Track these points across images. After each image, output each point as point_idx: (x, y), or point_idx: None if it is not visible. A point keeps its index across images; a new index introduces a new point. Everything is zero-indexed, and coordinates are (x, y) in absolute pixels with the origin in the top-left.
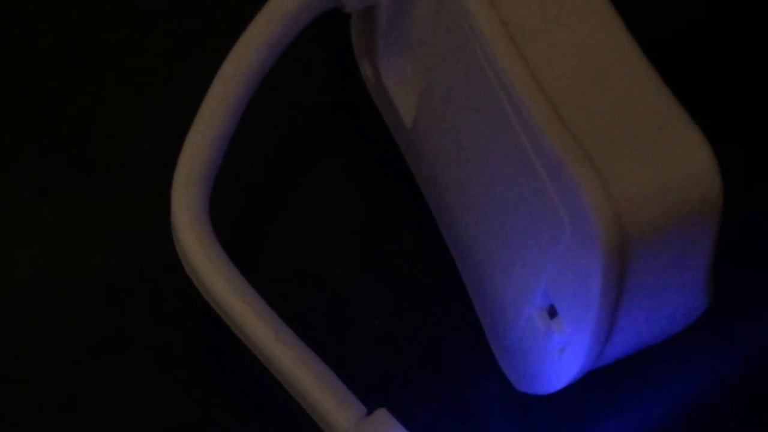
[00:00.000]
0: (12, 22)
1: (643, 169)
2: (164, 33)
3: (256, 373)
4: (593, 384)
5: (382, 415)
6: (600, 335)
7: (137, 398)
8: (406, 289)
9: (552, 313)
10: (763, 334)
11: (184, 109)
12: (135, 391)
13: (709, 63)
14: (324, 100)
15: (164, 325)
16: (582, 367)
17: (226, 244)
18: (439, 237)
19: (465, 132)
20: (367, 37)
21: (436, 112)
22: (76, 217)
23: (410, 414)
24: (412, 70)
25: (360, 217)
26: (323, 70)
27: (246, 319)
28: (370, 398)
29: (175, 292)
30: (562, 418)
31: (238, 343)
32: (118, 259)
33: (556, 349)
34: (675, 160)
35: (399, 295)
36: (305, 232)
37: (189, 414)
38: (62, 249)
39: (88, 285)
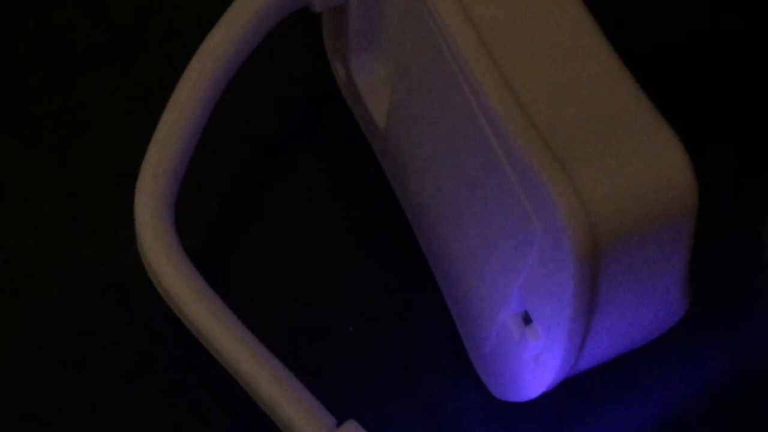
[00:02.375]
0: None
1: (615, 174)
2: (132, 36)
3: (226, 383)
4: (573, 390)
5: (351, 427)
6: (574, 342)
7: (106, 407)
8: (380, 294)
9: (527, 319)
10: (747, 337)
11: (156, 111)
12: (104, 400)
13: (692, 65)
14: (297, 100)
15: (133, 333)
16: (558, 374)
17: (197, 247)
18: (414, 241)
19: (436, 135)
20: (337, 37)
21: (407, 114)
22: (44, 222)
23: (385, 423)
24: (384, 71)
25: (334, 220)
26: (296, 69)
27: (212, 331)
28: (342, 407)
29: (144, 299)
30: (542, 425)
31: (207, 354)
32: (86, 265)
33: (532, 356)
34: (648, 163)
35: (373, 300)
36: (277, 236)
37: (156, 424)
38: (29, 254)
39: (56, 290)
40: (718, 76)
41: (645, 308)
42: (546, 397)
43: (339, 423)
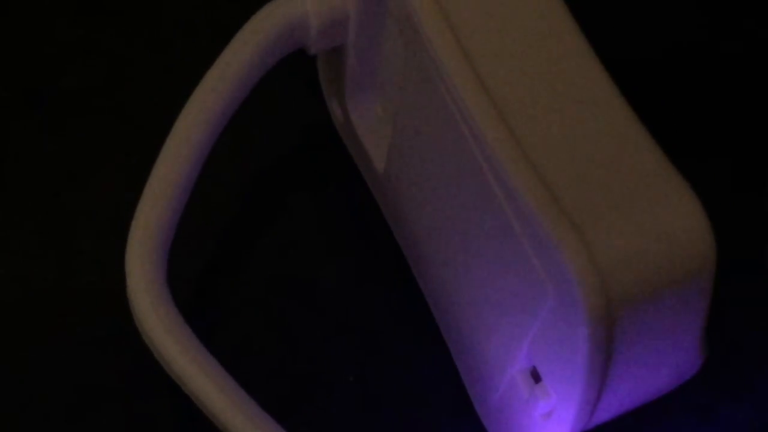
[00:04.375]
0: None
1: (629, 233)
2: (123, 78)
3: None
4: None
5: None
6: (587, 403)
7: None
8: (382, 343)
9: (536, 376)
10: (756, 379)
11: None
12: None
13: (692, 75)
14: (293, 142)
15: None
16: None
17: (189, 294)
18: (416, 288)
19: (439, 184)
20: (334, 78)
21: (409, 159)
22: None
23: None
24: (383, 112)
25: (332, 266)
26: (293, 110)
27: (204, 395)
28: None
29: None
30: None
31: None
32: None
33: (541, 414)
34: (664, 222)
35: (375, 351)
36: (274, 282)
37: None
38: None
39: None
40: (717, 85)
41: (660, 366)
42: None
43: None
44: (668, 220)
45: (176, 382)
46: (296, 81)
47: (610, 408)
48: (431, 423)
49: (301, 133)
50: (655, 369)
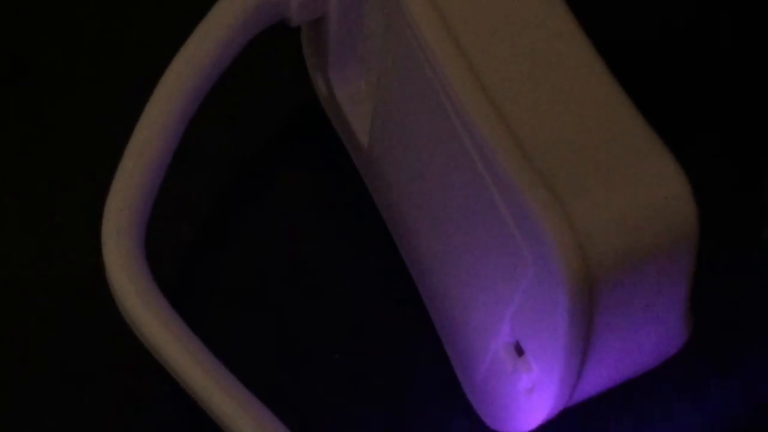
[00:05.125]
0: None
1: (610, 202)
2: (102, 53)
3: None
4: (570, 417)
5: None
6: (569, 376)
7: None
8: (367, 321)
9: (519, 350)
10: (752, 362)
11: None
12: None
13: (689, 67)
14: (277, 116)
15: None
16: (554, 407)
17: (171, 271)
18: (401, 263)
19: (421, 156)
20: (318, 52)
21: (391, 132)
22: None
23: None
24: (366, 85)
25: (316, 241)
26: (277, 85)
27: (186, 371)
28: None
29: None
30: None
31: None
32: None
33: (525, 389)
34: (645, 190)
35: (360, 327)
36: (260, 260)
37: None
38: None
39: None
40: (713, 76)
41: (643, 339)
42: (542, 425)
43: None
44: (650, 187)
45: (153, 354)
46: (281, 58)
47: (594, 382)
48: (417, 401)
49: (286, 109)
50: (638, 342)
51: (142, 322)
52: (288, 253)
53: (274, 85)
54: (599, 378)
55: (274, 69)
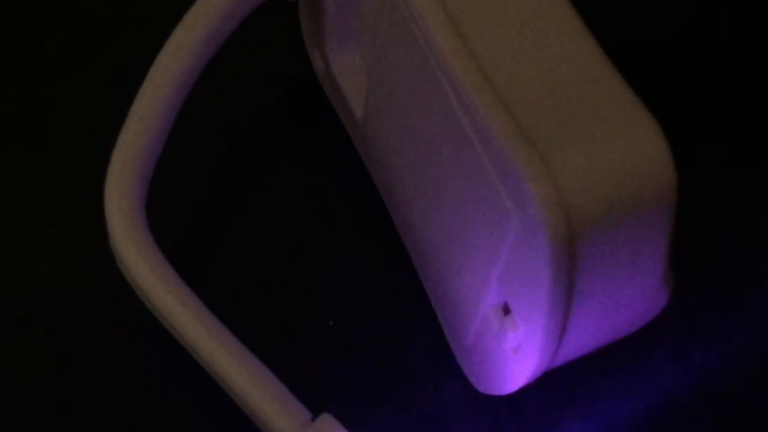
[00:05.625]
0: None
1: (591, 158)
2: (99, 30)
3: (202, 381)
4: (558, 383)
5: (326, 420)
6: (552, 331)
7: (85, 407)
8: (361, 287)
9: (506, 310)
10: (737, 329)
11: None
12: (83, 400)
13: (679, 57)
14: (275, 93)
15: (107, 330)
16: (539, 366)
17: (173, 243)
18: (395, 233)
19: (412, 123)
20: (314, 26)
21: (383, 103)
22: (23, 220)
23: (366, 417)
24: (362, 60)
25: (312, 213)
26: (274, 61)
27: (185, 327)
28: (322, 403)
29: (119, 297)
30: (526, 419)
31: (183, 352)
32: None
33: (511, 348)
34: (626, 147)
35: (353, 294)
36: (254, 230)
37: (132, 422)
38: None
39: (34, 292)
40: (706, 66)
41: (624, 297)
42: (530, 390)
43: (314, 417)
44: (630, 146)
45: (158, 319)
46: (278, 35)
47: (578, 342)
48: (409, 366)
49: (284, 86)
50: (621, 300)
51: (146, 287)
52: (284, 225)
53: (271, 62)
54: (583, 337)
55: (271, 46)
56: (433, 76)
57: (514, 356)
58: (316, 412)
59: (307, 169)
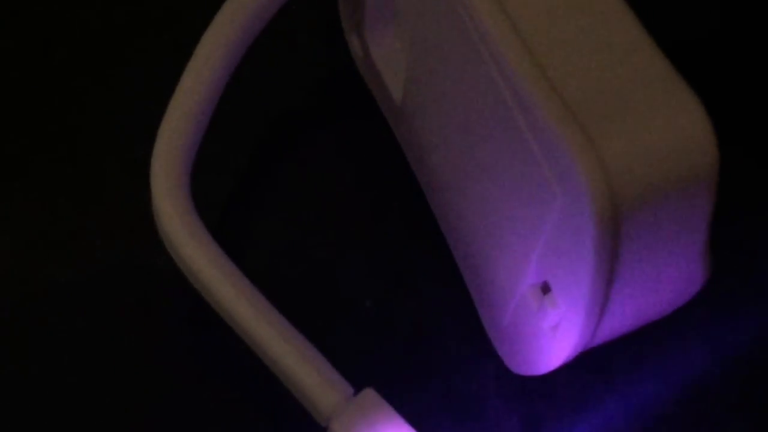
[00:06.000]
0: None
1: (635, 136)
2: (138, 20)
3: (244, 367)
4: (592, 366)
5: (369, 395)
6: (593, 309)
7: (125, 391)
8: (398, 269)
9: (545, 289)
10: (765, 312)
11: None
12: (121, 384)
13: (697, 60)
14: (313, 78)
15: (150, 314)
16: (577, 345)
17: (215, 224)
18: (432, 216)
19: (453, 105)
20: (353, 10)
21: (424, 87)
22: (59, 208)
23: (402, 396)
24: (401, 44)
25: (352, 196)
26: (313, 46)
27: (228, 299)
28: (359, 381)
29: (159, 278)
30: (560, 401)
31: (225, 338)
32: (104, 257)
33: (550, 326)
34: (669, 124)
35: (391, 275)
36: (296, 212)
37: (175, 407)
38: (43, 249)
39: (73, 283)
40: (723, 69)
41: (665, 275)
42: (564, 372)
43: (356, 392)
44: (673, 123)
45: (200, 292)
46: (317, 20)
47: (616, 321)
48: (444, 346)
49: (322, 70)
50: (660, 278)
51: (190, 258)
52: (322, 207)
53: (311, 46)
54: (622, 316)
55: (311, 31)
56: (477, 55)
57: (552, 335)
58: (355, 389)
59: (345, 154)
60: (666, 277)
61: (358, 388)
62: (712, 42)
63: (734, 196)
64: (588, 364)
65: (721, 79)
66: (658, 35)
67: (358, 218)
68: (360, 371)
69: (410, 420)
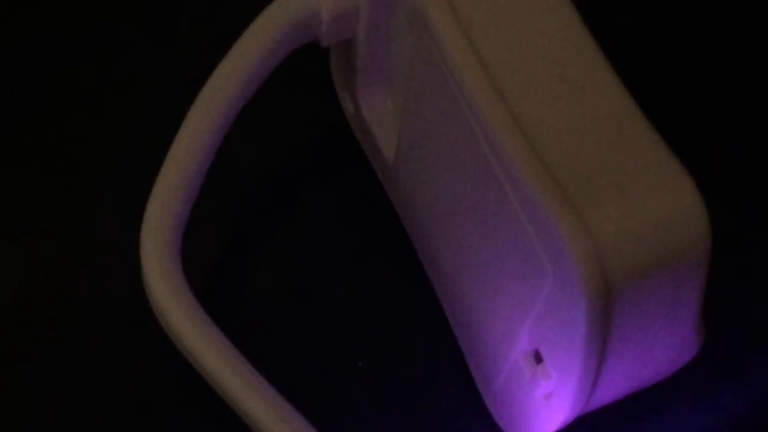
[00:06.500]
0: None
1: (627, 215)
2: (139, 69)
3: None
4: (584, 428)
5: None
6: (586, 382)
7: None
8: (391, 330)
9: (538, 357)
10: (760, 369)
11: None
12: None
13: (703, 75)
14: (305, 134)
15: (138, 366)
16: (570, 414)
17: (205, 280)
18: (424, 276)
19: (445, 171)
20: (346, 70)
21: (416, 149)
22: (51, 248)
23: None
24: (393, 104)
25: (343, 254)
26: (304, 103)
27: (216, 372)
28: None
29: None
30: None
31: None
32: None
33: (543, 395)
34: (661, 204)
35: (384, 336)
36: (286, 269)
37: None
38: (36, 281)
39: (69, 315)
40: (728, 83)
41: (657, 348)
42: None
43: None
44: (665, 201)
45: (189, 360)
46: (308, 77)
47: (609, 390)
48: (437, 408)
49: (313, 127)
50: (653, 350)
51: (179, 331)
52: (312, 265)
53: (302, 103)
54: (615, 385)
55: (302, 87)
56: (467, 125)
57: (545, 404)
58: None
59: (336, 211)
60: (659, 348)
61: None
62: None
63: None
64: (582, 427)
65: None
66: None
67: (349, 278)
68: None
69: None
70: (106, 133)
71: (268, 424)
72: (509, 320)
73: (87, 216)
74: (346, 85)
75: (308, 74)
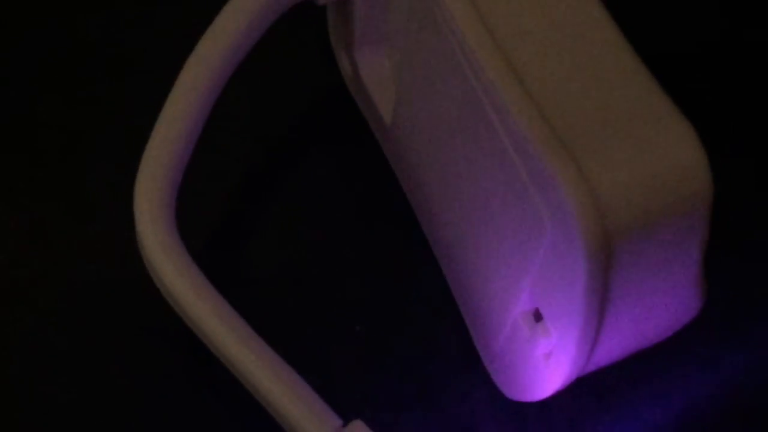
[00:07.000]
0: None
1: (626, 165)
2: (130, 34)
3: (231, 387)
4: (587, 390)
5: (358, 427)
6: (586, 338)
7: (109, 412)
8: (389, 294)
9: (537, 316)
10: (765, 335)
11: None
12: (108, 404)
13: (712, 70)
14: (303, 96)
15: (138, 338)
16: (570, 373)
17: (203, 246)
18: (423, 237)
19: (443, 129)
20: (343, 29)
21: (414, 108)
22: (45, 223)
23: (394, 425)
24: (390, 64)
25: (341, 217)
26: (302, 65)
27: (215, 332)
28: (350, 409)
29: (148, 303)
30: (554, 426)
31: (212, 357)
32: (90, 269)
33: (543, 354)
34: (661, 153)
35: (382, 300)
36: (284, 233)
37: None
38: (33, 258)
39: (60, 294)
40: (738, 79)
41: (658, 304)
42: (559, 397)
43: (345, 424)
44: (666, 151)
45: (186, 323)
46: (306, 39)
47: (610, 348)
48: (438, 373)
49: (311, 89)
50: (654, 307)
51: (175, 290)
52: (311, 231)
53: (299, 64)
54: (615, 344)
55: (300, 49)
56: (467, 81)
57: (545, 363)
58: (344, 419)
59: (334, 173)
60: (660, 305)
61: (347, 418)
62: (708, 49)
63: (726, 216)
64: (583, 388)
65: (715, 92)
66: (652, 44)
67: (348, 242)
68: (350, 399)
69: None
70: (101, 99)
71: (263, 381)
72: (508, 279)
73: (78, 186)
74: (343, 45)
75: (305, 37)
